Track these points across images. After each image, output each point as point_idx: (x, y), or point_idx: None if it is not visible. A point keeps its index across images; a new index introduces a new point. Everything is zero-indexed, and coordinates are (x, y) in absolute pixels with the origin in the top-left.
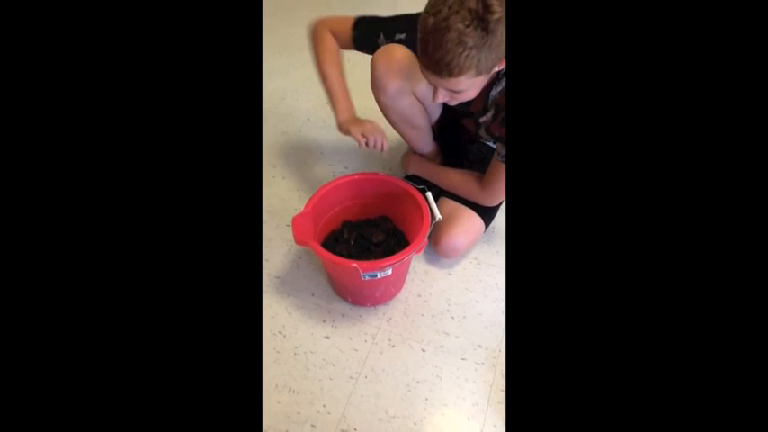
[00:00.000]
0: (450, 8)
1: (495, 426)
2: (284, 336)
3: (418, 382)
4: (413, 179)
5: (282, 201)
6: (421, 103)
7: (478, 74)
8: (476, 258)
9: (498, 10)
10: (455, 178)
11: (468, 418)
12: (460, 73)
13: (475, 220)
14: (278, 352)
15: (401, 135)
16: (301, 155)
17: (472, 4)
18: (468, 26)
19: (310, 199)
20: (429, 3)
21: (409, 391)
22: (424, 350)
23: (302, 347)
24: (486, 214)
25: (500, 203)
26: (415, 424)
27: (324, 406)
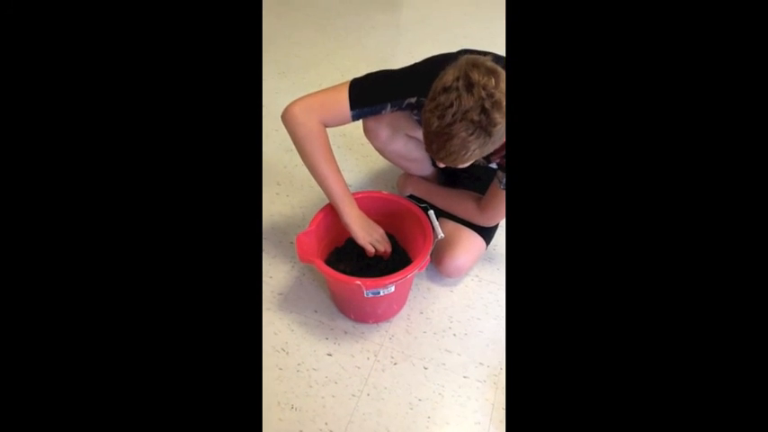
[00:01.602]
0: (453, 116)
1: None
2: (287, 353)
3: (420, 400)
4: (413, 199)
5: (286, 218)
6: (416, 137)
7: (482, 155)
8: (477, 276)
9: (501, 121)
10: (453, 199)
11: None
12: (465, 162)
13: (476, 239)
14: (280, 369)
15: (400, 167)
16: (305, 173)
17: (475, 117)
18: (471, 134)
19: (315, 217)
20: (434, 102)
21: (411, 409)
22: (426, 368)
23: (305, 364)
24: (486, 233)
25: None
26: None
27: (326, 424)
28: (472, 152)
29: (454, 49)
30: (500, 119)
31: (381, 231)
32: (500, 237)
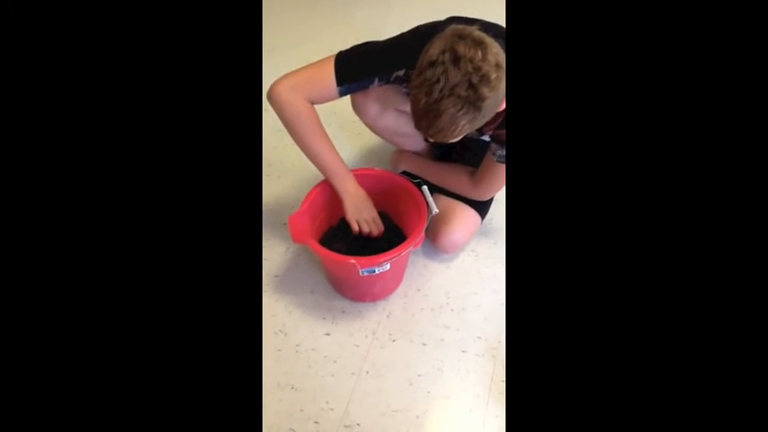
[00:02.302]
0: (440, 92)
1: (497, 416)
2: (285, 334)
3: (420, 375)
4: (406, 175)
5: (278, 199)
6: (406, 112)
7: (473, 129)
8: (473, 251)
9: (489, 95)
10: (446, 174)
11: (470, 410)
12: (455, 137)
13: (471, 213)
14: (279, 350)
15: (392, 143)
16: (296, 152)
17: (463, 92)
18: (460, 110)
19: (306, 197)
20: (421, 77)
21: (411, 384)
22: (424, 344)
23: (303, 345)
24: (481, 207)
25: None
26: (417, 417)
27: (326, 402)
28: (462, 127)
29: (443, 18)
30: (488, 93)
31: (375, 213)
32: (495, 211)
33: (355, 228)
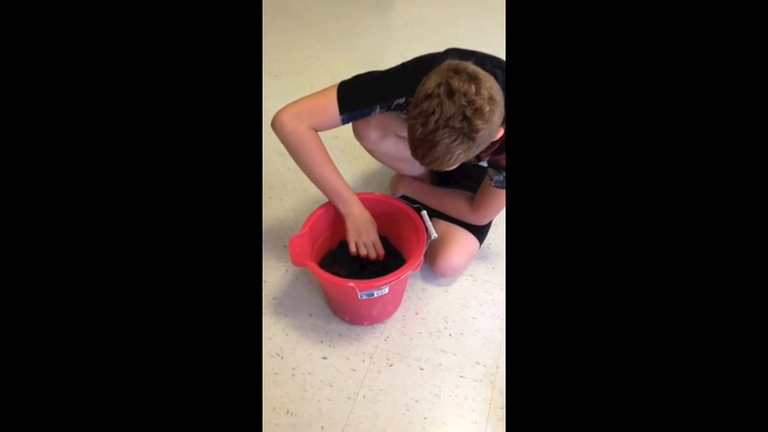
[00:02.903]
0: (436, 123)
1: None
2: (282, 357)
3: (417, 401)
4: (405, 199)
5: (279, 222)
6: (405, 138)
7: (468, 158)
8: (472, 275)
9: (483, 127)
10: (445, 198)
11: None
12: (450, 166)
13: (469, 238)
14: (276, 374)
15: (391, 168)
16: (297, 176)
17: (457, 124)
18: (454, 141)
19: (307, 220)
20: (417, 108)
21: (408, 410)
22: (422, 368)
23: (300, 368)
24: (479, 232)
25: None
26: None
27: (322, 428)
28: (457, 156)
29: (443, 49)
30: (482, 125)
31: (375, 237)
32: (493, 235)
33: (353, 249)
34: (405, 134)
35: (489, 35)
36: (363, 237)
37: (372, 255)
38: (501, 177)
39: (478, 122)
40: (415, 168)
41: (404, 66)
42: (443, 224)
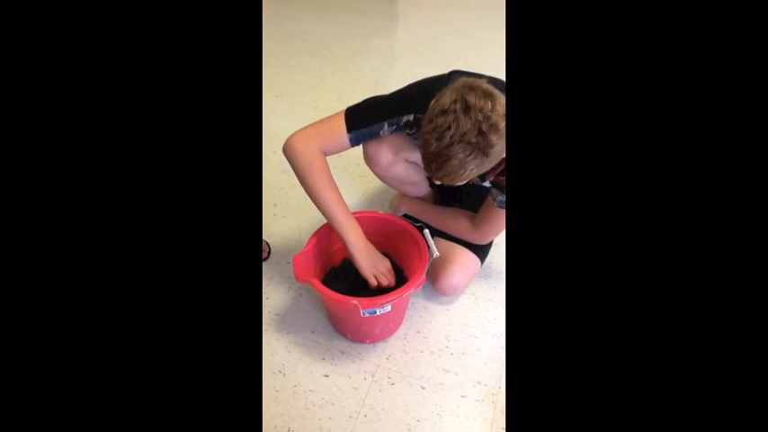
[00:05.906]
0: (451, 137)
1: None
2: (284, 374)
3: (418, 420)
4: (407, 218)
5: (283, 239)
6: (415, 162)
7: (480, 173)
8: (473, 294)
9: (497, 142)
10: (446, 217)
11: None
12: (462, 180)
13: (471, 257)
14: (277, 391)
15: (398, 190)
16: (302, 193)
17: (473, 139)
18: (469, 155)
19: (311, 237)
20: (432, 123)
21: (409, 430)
22: (423, 387)
23: (301, 386)
24: (481, 251)
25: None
26: None
27: None
28: (470, 171)
29: (447, 72)
30: (497, 140)
31: (388, 264)
32: (494, 254)
33: (373, 283)
34: (414, 158)
35: (489, 56)
36: (379, 267)
37: (393, 282)
38: (503, 197)
39: (493, 137)
40: (422, 190)
41: (409, 87)
42: (445, 243)
